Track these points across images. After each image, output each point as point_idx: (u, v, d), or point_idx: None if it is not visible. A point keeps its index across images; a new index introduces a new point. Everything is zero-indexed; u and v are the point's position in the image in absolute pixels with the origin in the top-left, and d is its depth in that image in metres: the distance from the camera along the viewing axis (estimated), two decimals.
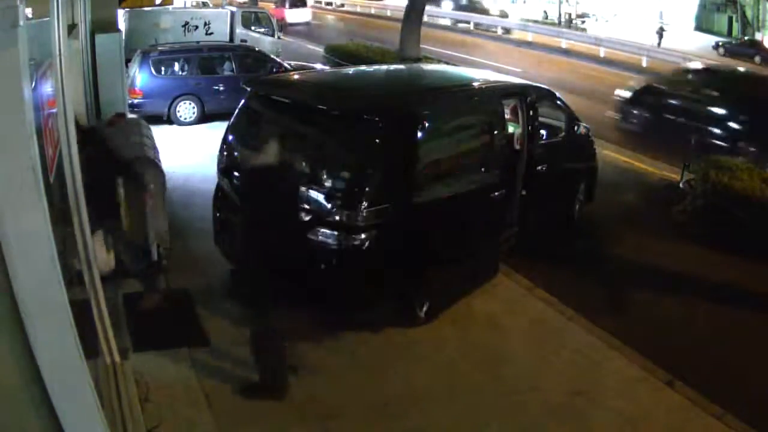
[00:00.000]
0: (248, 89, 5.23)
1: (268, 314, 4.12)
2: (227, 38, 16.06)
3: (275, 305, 4.14)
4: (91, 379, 2.25)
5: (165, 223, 5.58)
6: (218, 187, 5.30)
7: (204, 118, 10.92)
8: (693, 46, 25.71)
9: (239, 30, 16.36)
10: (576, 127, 6.95)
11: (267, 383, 4.07)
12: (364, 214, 4.22)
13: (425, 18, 19.32)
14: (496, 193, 5.22)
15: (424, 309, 4.87)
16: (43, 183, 1.96)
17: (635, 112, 11.08)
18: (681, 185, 8.89)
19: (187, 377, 4.17)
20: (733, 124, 9.86)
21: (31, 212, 1.87)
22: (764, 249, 6.72)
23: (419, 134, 4.44)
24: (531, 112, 5.90)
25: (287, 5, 29.19)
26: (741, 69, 13.23)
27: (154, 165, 5.58)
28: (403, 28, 16.99)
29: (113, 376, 3.47)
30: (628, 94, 11.36)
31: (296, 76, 6.56)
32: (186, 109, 10.90)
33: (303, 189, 4.53)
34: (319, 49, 20.05)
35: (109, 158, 4.86)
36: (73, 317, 2.10)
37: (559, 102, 6.76)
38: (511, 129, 6.03)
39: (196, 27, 15.77)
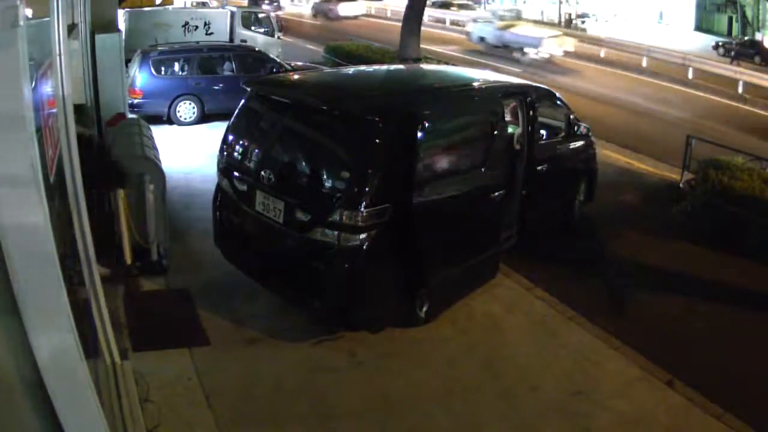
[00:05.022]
0: (248, 89, 5.23)
1: None
2: (227, 38, 16.07)
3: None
4: (91, 379, 2.25)
5: (165, 223, 5.59)
6: (218, 187, 5.30)
7: (204, 118, 10.93)
8: (693, 47, 25.69)
9: (239, 30, 16.36)
10: (576, 127, 6.96)
11: None
12: (365, 214, 4.22)
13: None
14: (496, 193, 5.21)
15: (424, 309, 4.87)
16: (43, 183, 1.96)
17: None
18: (681, 185, 8.91)
19: (187, 377, 4.17)
20: None
21: (31, 212, 1.87)
22: (764, 249, 6.73)
23: (419, 134, 4.43)
24: (531, 112, 5.90)
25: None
26: None
27: (154, 165, 5.58)
28: (403, 29, 17.01)
29: (113, 376, 3.47)
30: None
31: (296, 76, 6.54)
32: (186, 109, 10.91)
33: (303, 189, 4.53)
34: (319, 49, 20.08)
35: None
36: (73, 317, 2.10)
37: (559, 102, 6.76)
38: (511, 129, 6.03)
39: (196, 27, 15.79)
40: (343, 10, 32.92)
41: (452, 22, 31.32)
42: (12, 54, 1.74)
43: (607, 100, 16.05)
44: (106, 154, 4.98)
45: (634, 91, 17.68)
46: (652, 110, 15.42)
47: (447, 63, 15.67)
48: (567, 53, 22.21)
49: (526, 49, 21.41)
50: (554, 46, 21.69)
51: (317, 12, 33.96)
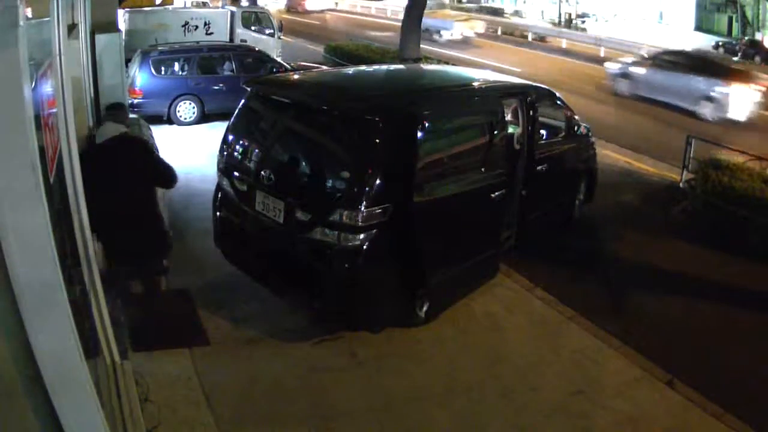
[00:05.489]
0: (248, 89, 5.23)
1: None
2: (227, 38, 16.06)
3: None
4: (91, 379, 2.25)
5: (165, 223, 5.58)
6: (218, 187, 5.30)
7: (204, 118, 10.93)
8: (692, 46, 25.70)
9: (239, 30, 16.36)
10: (576, 127, 6.95)
11: None
12: (365, 214, 4.22)
13: None
14: (496, 193, 5.21)
15: (424, 309, 4.87)
16: (43, 183, 1.96)
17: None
18: (681, 185, 8.90)
19: (187, 377, 4.17)
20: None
21: (31, 212, 1.87)
22: (764, 249, 6.73)
23: (419, 134, 4.43)
24: (531, 112, 5.89)
25: None
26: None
27: None
28: (403, 29, 17.00)
29: (113, 376, 3.46)
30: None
31: (296, 76, 6.54)
32: (186, 109, 10.90)
33: (303, 189, 4.53)
34: (319, 49, 20.08)
35: None
36: (73, 317, 2.10)
37: (559, 102, 6.75)
38: (511, 129, 6.03)
39: (196, 27, 15.78)
40: (310, 4, 37.02)
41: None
42: (12, 54, 1.74)
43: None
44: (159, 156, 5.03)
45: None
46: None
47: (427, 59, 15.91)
48: (479, 34, 26.89)
49: (442, 32, 25.94)
50: (465, 28, 26.50)
51: (290, 7, 37.78)
